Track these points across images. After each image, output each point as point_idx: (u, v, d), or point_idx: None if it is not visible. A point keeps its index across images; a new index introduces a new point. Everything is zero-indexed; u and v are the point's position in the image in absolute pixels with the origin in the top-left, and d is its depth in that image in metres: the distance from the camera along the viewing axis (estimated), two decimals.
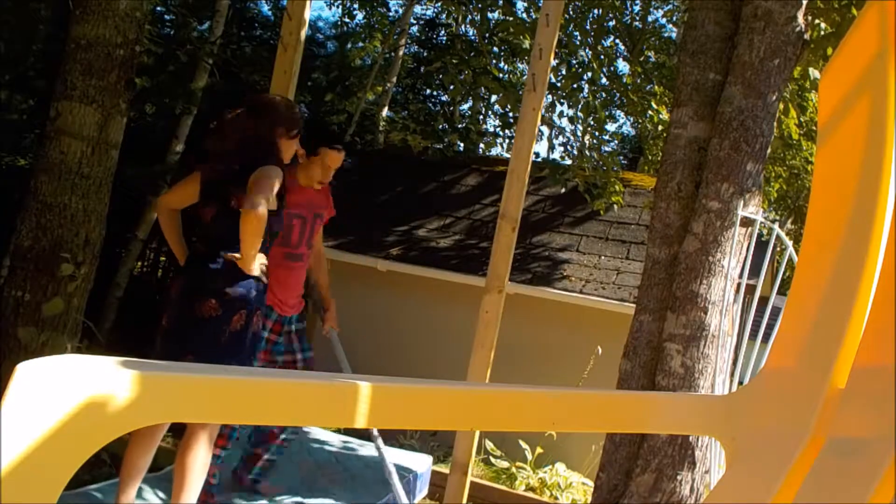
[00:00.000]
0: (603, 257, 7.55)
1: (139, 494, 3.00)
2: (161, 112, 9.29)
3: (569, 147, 7.68)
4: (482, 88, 8.23)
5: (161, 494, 3.10)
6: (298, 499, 3.35)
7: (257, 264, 2.48)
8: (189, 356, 2.43)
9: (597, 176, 7.02)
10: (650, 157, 10.75)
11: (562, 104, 7.29)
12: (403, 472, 3.93)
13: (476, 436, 3.92)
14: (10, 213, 4.12)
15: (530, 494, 5.46)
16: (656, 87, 7.88)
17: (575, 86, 6.91)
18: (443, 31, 13.62)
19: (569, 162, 7.74)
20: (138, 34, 3.59)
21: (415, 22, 13.59)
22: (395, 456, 4.21)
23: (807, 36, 3.08)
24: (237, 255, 2.44)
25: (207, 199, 2.58)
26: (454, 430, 4.08)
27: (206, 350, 2.44)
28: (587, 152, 7.50)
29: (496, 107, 12.61)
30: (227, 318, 2.46)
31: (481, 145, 11.71)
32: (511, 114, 7.43)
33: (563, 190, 7.81)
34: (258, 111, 2.63)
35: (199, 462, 2.44)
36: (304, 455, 3.98)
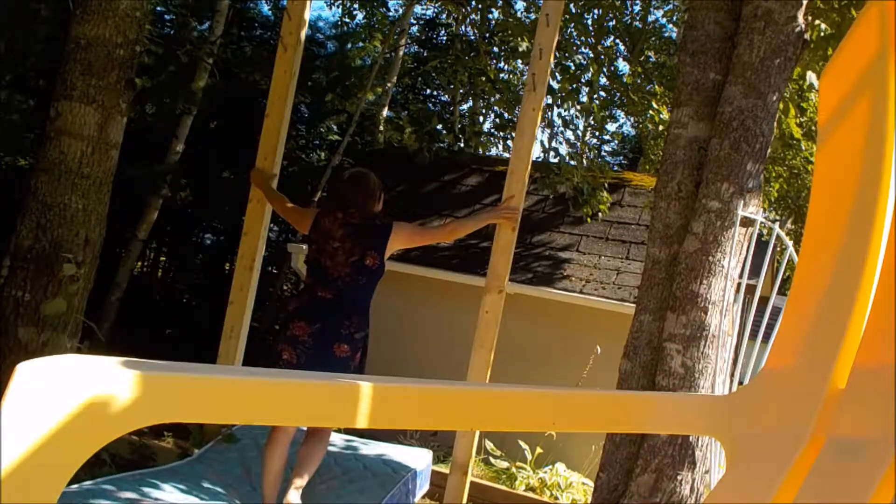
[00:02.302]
0: (603, 257, 7.55)
1: (142, 490, 3.00)
2: (161, 112, 9.29)
3: (560, 151, 7.73)
4: (481, 88, 8.23)
5: (167, 488, 3.10)
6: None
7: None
8: None
9: (586, 182, 7.06)
10: (650, 157, 10.76)
11: (559, 106, 7.30)
12: (401, 472, 3.91)
13: (476, 436, 3.92)
14: (10, 213, 4.12)
15: (530, 494, 5.46)
16: (656, 87, 7.88)
17: (573, 87, 6.91)
18: (443, 31, 13.62)
19: (560, 167, 7.76)
20: (138, 34, 3.59)
21: (415, 22, 13.59)
22: (393, 452, 4.19)
23: (807, 36, 3.08)
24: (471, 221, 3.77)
25: (348, 255, 3.01)
26: (454, 430, 4.08)
27: None
28: (586, 152, 7.53)
29: (495, 107, 12.63)
30: (353, 357, 2.97)
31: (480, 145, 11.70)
32: (507, 115, 7.45)
33: (551, 196, 7.86)
34: (375, 192, 3.16)
35: (319, 451, 2.99)
36: None
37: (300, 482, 2.96)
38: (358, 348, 3.02)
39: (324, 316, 3.00)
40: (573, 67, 7.18)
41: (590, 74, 7.23)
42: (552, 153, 9.64)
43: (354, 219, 3.06)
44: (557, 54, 6.72)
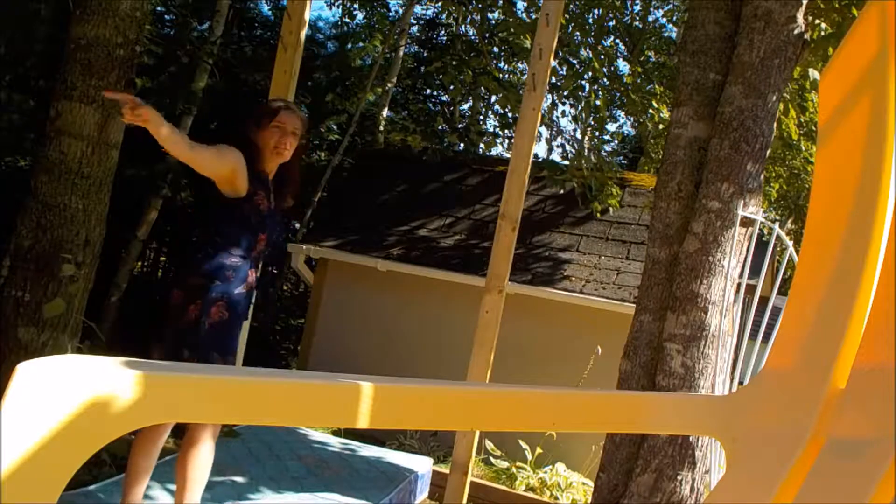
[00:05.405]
0: (603, 257, 7.55)
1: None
2: (161, 112, 9.28)
3: (566, 148, 7.67)
4: (482, 88, 8.21)
5: (166, 488, 3.10)
6: (301, 492, 3.35)
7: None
8: (181, 348, 2.46)
9: (593, 178, 7.03)
10: (650, 157, 10.75)
11: (564, 104, 7.27)
12: (405, 472, 3.94)
13: (476, 436, 3.92)
14: (10, 213, 4.12)
15: (530, 494, 5.45)
16: (656, 86, 7.88)
17: (576, 84, 6.90)
18: (443, 31, 13.62)
19: (566, 163, 7.74)
20: (138, 34, 3.59)
21: (415, 22, 13.59)
22: (396, 457, 4.23)
23: (807, 36, 3.08)
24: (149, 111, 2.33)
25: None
26: (454, 430, 4.09)
27: (190, 342, 2.45)
28: (586, 153, 7.49)
29: (496, 107, 12.61)
30: (206, 311, 2.46)
31: (481, 145, 11.70)
32: (511, 114, 7.42)
33: (561, 191, 7.83)
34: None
35: (202, 462, 2.45)
36: (307, 451, 3.99)
37: None
38: (213, 301, 2.50)
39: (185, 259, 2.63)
40: (576, 64, 7.16)
41: (590, 74, 7.21)
42: (559, 150, 9.62)
43: None
44: (561, 51, 6.70)
